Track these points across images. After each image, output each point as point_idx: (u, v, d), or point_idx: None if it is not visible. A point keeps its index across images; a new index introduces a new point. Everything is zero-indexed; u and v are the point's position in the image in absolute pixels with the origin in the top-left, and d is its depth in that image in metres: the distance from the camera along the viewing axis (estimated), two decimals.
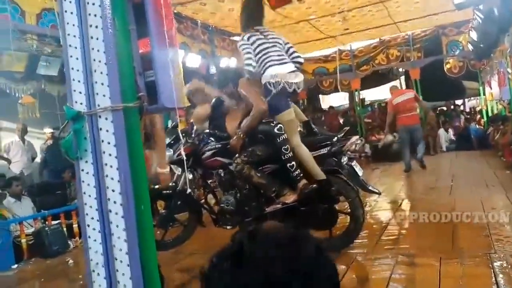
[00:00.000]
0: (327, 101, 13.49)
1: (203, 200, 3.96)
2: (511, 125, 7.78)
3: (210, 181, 3.86)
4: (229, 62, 8.10)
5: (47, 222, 4.63)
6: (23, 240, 4.40)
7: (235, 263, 0.62)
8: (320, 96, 12.97)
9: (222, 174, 3.63)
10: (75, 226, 4.69)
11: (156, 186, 3.92)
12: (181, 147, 3.60)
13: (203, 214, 3.86)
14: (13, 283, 3.84)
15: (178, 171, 3.88)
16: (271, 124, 3.36)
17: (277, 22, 7.87)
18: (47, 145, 6.51)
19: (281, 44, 3.60)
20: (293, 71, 3.48)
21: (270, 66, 3.42)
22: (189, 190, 3.71)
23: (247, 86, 3.56)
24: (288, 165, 3.30)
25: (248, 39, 3.51)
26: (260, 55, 3.46)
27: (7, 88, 5.01)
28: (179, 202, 3.80)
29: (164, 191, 3.80)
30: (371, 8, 7.90)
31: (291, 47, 3.70)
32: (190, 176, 3.85)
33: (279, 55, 3.49)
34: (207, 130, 3.83)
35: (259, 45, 3.49)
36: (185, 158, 3.09)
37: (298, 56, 3.68)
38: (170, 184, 3.87)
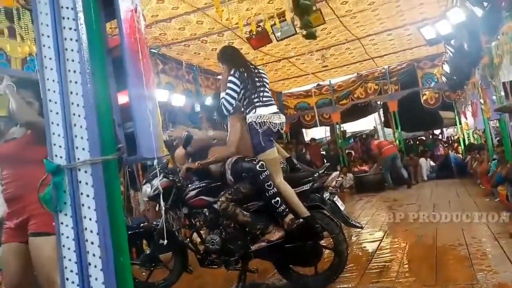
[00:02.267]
0: (310, 134, 13.70)
1: (187, 240, 3.93)
2: (487, 153, 8.00)
3: (195, 220, 3.84)
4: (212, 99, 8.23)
5: None
6: None
7: None
8: (303, 130, 13.19)
9: (207, 213, 3.63)
10: None
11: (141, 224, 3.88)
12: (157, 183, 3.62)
13: (188, 256, 3.82)
14: None
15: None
16: (254, 162, 3.40)
17: (258, 60, 8.10)
18: None
19: (267, 83, 3.70)
20: (277, 113, 3.57)
21: (257, 106, 3.49)
22: (172, 229, 3.69)
23: (233, 122, 3.61)
24: (273, 201, 3.32)
25: (239, 75, 3.55)
26: (248, 93, 3.51)
27: None
28: (161, 241, 3.75)
29: (145, 230, 3.77)
30: (349, 46, 8.24)
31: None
32: (169, 215, 3.81)
33: (266, 96, 3.57)
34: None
35: (250, 83, 3.53)
36: (161, 191, 3.08)
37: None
38: (152, 223, 3.85)
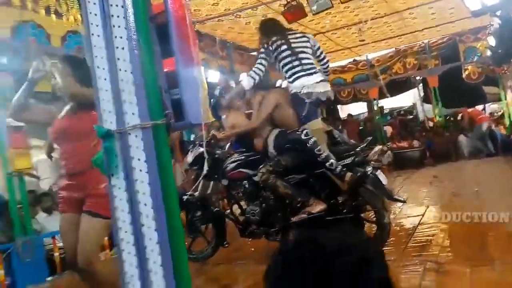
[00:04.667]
0: (346, 110, 13.47)
1: (228, 211, 3.99)
2: None
3: (235, 192, 3.89)
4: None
5: None
6: (56, 254, 4.53)
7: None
8: (339, 106, 12.96)
9: (247, 185, 3.66)
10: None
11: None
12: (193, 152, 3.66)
13: (226, 229, 3.88)
14: None
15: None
16: (297, 132, 3.38)
17: None
18: None
19: (309, 47, 3.59)
20: (321, 81, 3.50)
21: (298, 77, 3.43)
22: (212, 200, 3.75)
23: (265, 97, 3.58)
24: (327, 164, 3.29)
25: (271, 46, 3.49)
26: (285, 62, 3.47)
27: None
28: (200, 213, 3.82)
29: (186, 199, 3.84)
30: (387, 20, 7.94)
31: (321, 51, 3.70)
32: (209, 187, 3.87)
33: (307, 64, 3.49)
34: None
35: (284, 53, 3.47)
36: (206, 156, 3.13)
37: (327, 62, 3.71)
38: (192, 192, 3.92)
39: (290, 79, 3.46)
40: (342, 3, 5.96)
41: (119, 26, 1.50)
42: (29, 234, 4.48)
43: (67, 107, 2.56)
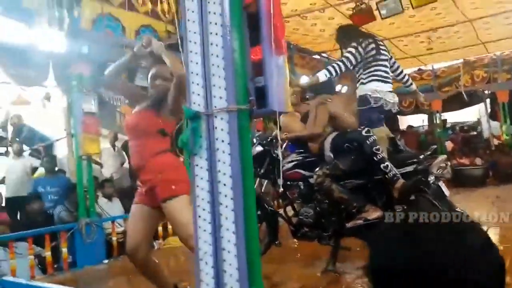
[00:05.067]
0: (404, 121, 13.05)
1: (281, 211, 4.01)
2: None
3: (290, 192, 3.90)
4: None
5: None
6: (114, 238, 4.75)
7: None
8: (398, 116, 12.59)
9: (302, 187, 3.66)
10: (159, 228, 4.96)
11: None
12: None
13: (278, 228, 3.88)
14: (105, 277, 4.14)
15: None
16: (358, 131, 3.34)
17: None
18: None
19: (389, 59, 3.60)
20: (392, 91, 3.47)
21: (374, 80, 3.42)
22: (266, 199, 3.77)
23: (320, 105, 3.56)
24: (382, 166, 3.23)
25: (364, 46, 3.50)
26: (369, 65, 3.46)
27: (106, 96, 5.51)
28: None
29: None
30: (459, 28, 7.62)
31: (398, 65, 3.67)
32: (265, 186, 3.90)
33: (385, 72, 3.49)
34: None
35: (373, 56, 3.48)
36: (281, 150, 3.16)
37: (408, 80, 3.67)
38: None
39: (365, 81, 3.44)
40: (413, 8, 5.80)
41: (214, 13, 1.57)
42: (92, 216, 4.74)
43: (143, 104, 2.72)
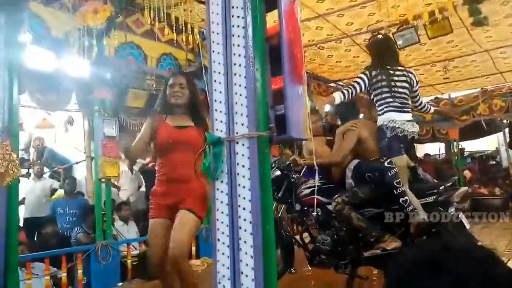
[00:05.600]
0: (421, 150, 12.94)
1: (298, 237, 3.98)
2: None
3: (307, 218, 3.89)
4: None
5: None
6: (129, 261, 4.77)
7: (430, 273, 0.65)
8: (415, 144, 12.52)
9: (320, 213, 3.64)
10: None
11: None
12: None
13: (294, 255, 3.85)
14: None
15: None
16: (381, 160, 3.34)
17: None
18: None
19: (409, 85, 3.55)
20: (411, 120, 3.47)
21: (390, 110, 3.44)
22: (282, 223, 3.75)
23: (349, 130, 3.60)
24: (401, 200, 3.19)
25: (370, 76, 3.51)
26: (379, 97, 3.49)
27: (124, 122, 5.65)
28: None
29: None
30: (475, 58, 7.65)
31: (417, 88, 3.68)
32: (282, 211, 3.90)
33: (401, 102, 3.48)
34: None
35: (381, 88, 3.49)
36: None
37: (420, 104, 3.69)
38: None
39: (380, 112, 3.47)
40: (430, 39, 5.87)
41: (238, 45, 1.65)
42: (108, 238, 4.78)
43: (179, 120, 2.84)
